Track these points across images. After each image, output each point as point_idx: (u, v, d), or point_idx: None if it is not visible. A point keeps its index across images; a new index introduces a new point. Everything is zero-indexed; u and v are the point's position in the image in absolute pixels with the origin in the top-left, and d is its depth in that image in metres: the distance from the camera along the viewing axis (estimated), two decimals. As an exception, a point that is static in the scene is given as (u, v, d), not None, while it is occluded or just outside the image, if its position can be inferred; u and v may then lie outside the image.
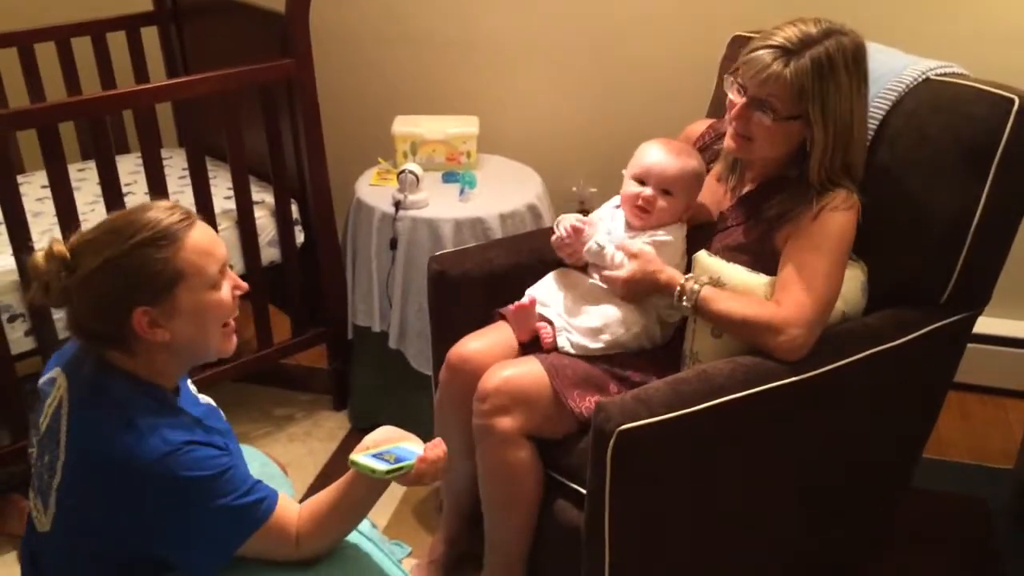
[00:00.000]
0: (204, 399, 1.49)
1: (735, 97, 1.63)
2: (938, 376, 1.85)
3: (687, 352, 1.74)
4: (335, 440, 2.49)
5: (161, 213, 1.26)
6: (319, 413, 2.60)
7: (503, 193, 2.37)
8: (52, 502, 1.27)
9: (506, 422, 1.68)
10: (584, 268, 1.84)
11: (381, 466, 1.30)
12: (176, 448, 1.21)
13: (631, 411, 1.47)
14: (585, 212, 2.70)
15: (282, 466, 1.74)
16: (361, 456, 1.31)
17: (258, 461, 1.67)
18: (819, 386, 1.59)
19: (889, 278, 1.73)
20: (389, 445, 1.36)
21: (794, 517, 1.80)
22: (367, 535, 1.54)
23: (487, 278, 1.96)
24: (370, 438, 1.36)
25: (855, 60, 1.57)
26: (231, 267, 1.42)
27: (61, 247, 1.24)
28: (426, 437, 2.32)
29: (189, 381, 1.47)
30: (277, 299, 2.56)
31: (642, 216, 1.76)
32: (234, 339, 1.36)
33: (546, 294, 1.83)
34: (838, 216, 1.59)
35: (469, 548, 1.97)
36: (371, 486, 1.35)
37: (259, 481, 1.29)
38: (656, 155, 1.75)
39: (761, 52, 1.57)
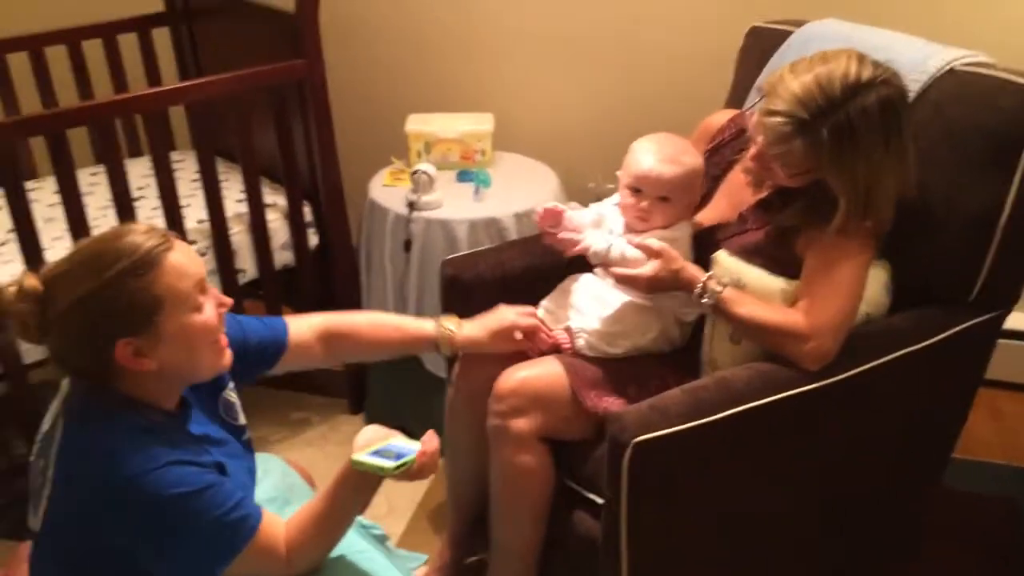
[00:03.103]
0: (230, 414, 1.45)
1: (752, 133, 1.57)
2: (967, 376, 1.79)
3: (705, 359, 1.69)
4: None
5: (139, 237, 1.20)
6: (335, 417, 2.58)
7: (518, 192, 2.34)
8: (42, 508, 1.26)
9: (522, 423, 1.65)
10: (590, 268, 1.80)
11: (387, 463, 1.28)
12: (157, 466, 1.18)
13: (647, 421, 1.43)
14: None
15: (305, 473, 1.73)
16: (363, 456, 1.30)
17: (279, 469, 1.65)
18: (842, 391, 1.54)
19: (913, 277, 1.66)
20: (381, 443, 1.34)
21: (818, 523, 1.75)
22: (375, 547, 1.52)
23: (501, 281, 1.93)
24: (361, 438, 1.35)
25: (884, 120, 1.45)
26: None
27: (33, 281, 1.19)
28: (440, 440, 2.33)
29: (232, 390, 1.44)
30: (291, 302, 2.54)
31: (642, 223, 1.72)
32: (227, 353, 1.32)
33: (558, 303, 1.79)
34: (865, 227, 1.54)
35: (476, 552, 1.94)
36: (358, 488, 1.34)
37: (244, 497, 1.27)
38: (648, 161, 1.69)
39: (774, 121, 1.46)
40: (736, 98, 2.06)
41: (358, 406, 2.58)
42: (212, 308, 1.27)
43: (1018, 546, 2.09)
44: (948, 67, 1.68)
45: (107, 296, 1.18)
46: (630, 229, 1.74)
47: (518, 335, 1.71)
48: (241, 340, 1.46)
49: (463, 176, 2.41)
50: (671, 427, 1.42)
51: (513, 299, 1.87)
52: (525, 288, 1.88)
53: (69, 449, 1.22)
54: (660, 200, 1.69)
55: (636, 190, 1.70)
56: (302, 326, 1.58)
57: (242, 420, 1.47)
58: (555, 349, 1.75)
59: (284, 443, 2.47)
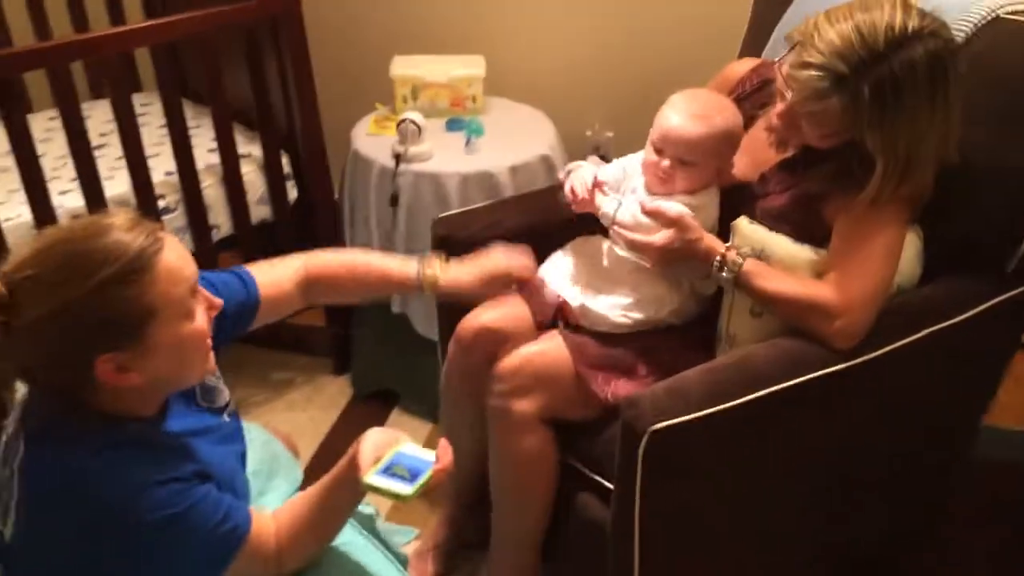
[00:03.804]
0: (212, 389, 1.32)
1: (780, 87, 1.41)
2: (1001, 348, 1.68)
3: (722, 333, 1.56)
4: (337, 407, 2.35)
5: (125, 236, 1.03)
6: (319, 378, 2.45)
7: (513, 142, 2.18)
8: (11, 519, 1.12)
9: (524, 404, 1.53)
10: (605, 232, 1.66)
11: (405, 489, 1.15)
12: (138, 490, 1.05)
13: (664, 407, 1.31)
14: (604, 159, 2.54)
15: (288, 441, 1.63)
16: (375, 479, 1.16)
17: (260, 439, 1.55)
18: (872, 370, 1.42)
19: (947, 244, 1.53)
20: (390, 454, 1.20)
21: (840, 504, 1.65)
22: (365, 529, 1.43)
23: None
24: (366, 451, 1.19)
25: (931, 76, 1.30)
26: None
27: None
28: (433, 406, 2.23)
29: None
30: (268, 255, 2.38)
31: (663, 186, 1.57)
32: (211, 357, 1.18)
33: (563, 270, 1.65)
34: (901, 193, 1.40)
35: (472, 532, 1.84)
36: (354, 492, 1.21)
37: (231, 506, 1.15)
38: (673, 118, 1.52)
39: (808, 74, 1.31)
40: (755, 39, 1.90)
41: (343, 367, 2.46)
42: (203, 313, 1.12)
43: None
44: (993, 15, 1.52)
45: (89, 308, 1.00)
46: (650, 190, 1.59)
47: (511, 285, 1.56)
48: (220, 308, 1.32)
49: (453, 124, 2.25)
50: (689, 413, 1.31)
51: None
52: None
53: (36, 472, 1.08)
54: (681, 164, 1.54)
55: (659, 149, 1.55)
56: (279, 274, 1.44)
57: (224, 399, 1.35)
58: (550, 310, 1.62)
59: (266, 405, 2.35)
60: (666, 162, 1.54)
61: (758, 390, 1.35)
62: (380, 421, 2.30)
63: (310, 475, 1.96)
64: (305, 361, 2.50)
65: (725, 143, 1.54)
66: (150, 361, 1.06)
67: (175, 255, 1.07)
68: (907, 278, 1.53)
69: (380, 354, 2.32)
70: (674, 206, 1.47)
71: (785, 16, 1.82)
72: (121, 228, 1.04)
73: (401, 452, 1.21)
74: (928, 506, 1.87)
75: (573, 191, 1.59)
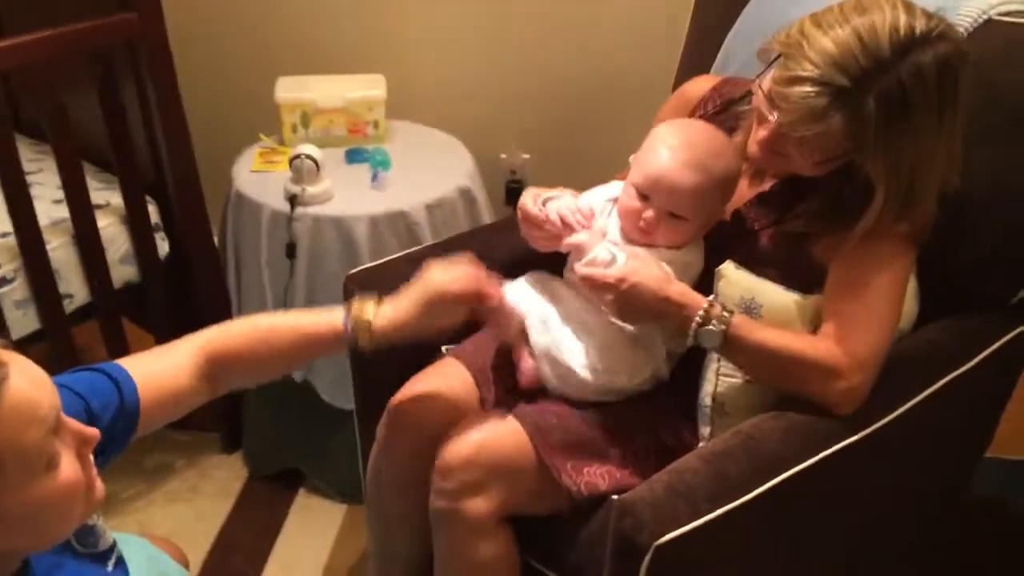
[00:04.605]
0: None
1: (762, 108, 1.20)
2: (1005, 383, 1.52)
3: (706, 401, 1.31)
4: (230, 495, 1.99)
5: None
6: (205, 459, 2.09)
7: (425, 174, 1.90)
8: None
9: (479, 505, 1.25)
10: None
11: None
12: None
13: (668, 512, 1.07)
14: (519, 185, 2.29)
15: (175, 551, 1.34)
16: None
17: (142, 556, 1.23)
18: (888, 432, 1.22)
19: (946, 277, 1.35)
20: None
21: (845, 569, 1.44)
22: None
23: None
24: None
25: (940, 86, 1.12)
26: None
27: None
28: (347, 484, 1.91)
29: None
30: (137, 317, 2.01)
31: (643, 236, 1.32)
32: (99, 487, 0.86)
33: (525, 305, 1.36)
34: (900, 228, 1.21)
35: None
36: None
37: None
38: (666, 161, 1.27)
39: (803, 91, 1.10)
40: (699, 51, 1.69)
41: (233, 442, 2.11)
42: (71, 458, 0.81)
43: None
44: (985, 17, 1.36)
45: None
46: (628, 239, 1.33)
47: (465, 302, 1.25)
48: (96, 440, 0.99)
49: (354, 156, 1.95)
50: (698, 518, 1.08)
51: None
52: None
53: None
54: (670, 216, 1.29)
55: (643, 195, 1.29)
56: (169, 365, 1.12)
57: (106, 542, 1.04)
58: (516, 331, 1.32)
59: (140, 501, 1.97)
60: (650, 212, 1.28)
61: (772, 477, 1.13)
62: (282, 507, 1.96)
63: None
64: (186, 439, 2.12)
65: (721, 192, 1.31)
66: None
67: (26, 383, 0.75)
68: (907, 321, 1.34)
69: (279, 427, 1.99)
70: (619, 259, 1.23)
71: (737, 26, 1.61)
72: None
73: None
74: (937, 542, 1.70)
75: (564, 222, 1.31)
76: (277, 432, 2.00)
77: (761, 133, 1.22)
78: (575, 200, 1.36)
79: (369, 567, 1.55)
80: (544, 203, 1.36)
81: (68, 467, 0.80)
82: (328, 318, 1.20)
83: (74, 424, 0.83)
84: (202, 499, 1.98)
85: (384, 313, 1.21)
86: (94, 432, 0.85)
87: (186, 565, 1.35)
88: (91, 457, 0.86)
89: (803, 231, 1.27)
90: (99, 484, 0.87)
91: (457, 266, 1.24)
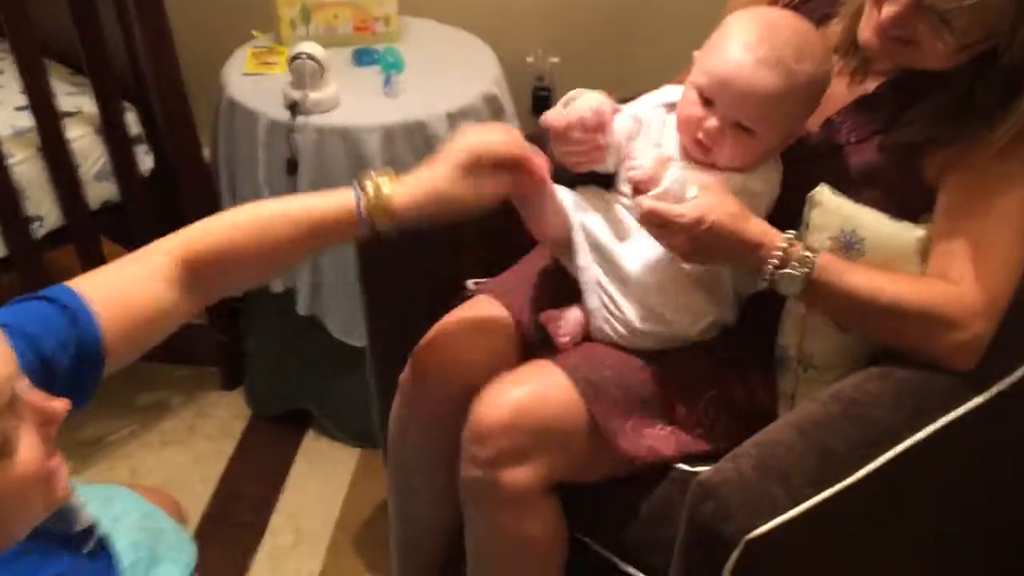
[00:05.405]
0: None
1: None
2: None
3: (787, 352, 1.11)
4: (232, 437, 1.83)
5: None
6: (203, 395, 1.92)
7: (445, 79, 1.68)
8: None
9: (521, 474, 1.07)
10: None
11: None
12: None
13: (763, 500, 0.89)
14: (548, 93, 2.05)
15: (169, 503, 1.21)
16: None
17: (134, 511, 1.11)
18: (1018, 393, 1.04)
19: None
20: None
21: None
22: None
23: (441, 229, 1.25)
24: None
25: None
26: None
27: None
28: (359, 427, 1.74)
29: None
30: (120, 240, 1.81)
31: (705, 153, 1.08)
32: (62, 477, 0.71)
33: (580, 207, 1.14)
34: None
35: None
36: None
37: None
38: (739, 58, 1.03)
39: None
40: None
41: (234, 379, 1.93)
42: (32, 440, 0.68)
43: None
44: None
45: None
46: (687, 155, 1.10)
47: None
48: (48, 376, 0.82)
49: (362, 57, 1.72)
50: (797, 505, 0.90)
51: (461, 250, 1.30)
52: (475, 232, 1.26)
53: None
54: (736, 127, 1.05)
55: (708, 99, 1.05)
56: (138, 275, 0.92)
57: (84, 522, 0.87)
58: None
59: (132, 442, 1.82)
60: (713, 121, 1.05)
61: (886, 451, 0.94)
62: (289, 450, 1.80)
63: (205, 540, 1.49)
64: (183, 373, 1.95)
65: (807, 99, 1.07)
66: None
67: None
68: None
69: (284, 366, 1.81)
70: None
71: None
72: None
73: None
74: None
75: (583, 122, 1.07)
76: (280, 371, 1.82)
77: (888, 10, 0.98)
78: (606, 99, 1.11)
79: (389, 531, 1.38)
80: (566, 106, 1.13)
81: (26, 452, 0.67)
82: (338, 199, 1.01)
83: (34, 397, 0.68)
84: (200, 441, 1.82)
85: (406, 185, 1.01)
86: (60, 406, 0.70)
87: (183, 519, 1.21)
88: (54, 436, 0.70)
89: (922, 139, 1.05)
90: (64, 472, 0.72)
91: (497, 128, 1.05)
